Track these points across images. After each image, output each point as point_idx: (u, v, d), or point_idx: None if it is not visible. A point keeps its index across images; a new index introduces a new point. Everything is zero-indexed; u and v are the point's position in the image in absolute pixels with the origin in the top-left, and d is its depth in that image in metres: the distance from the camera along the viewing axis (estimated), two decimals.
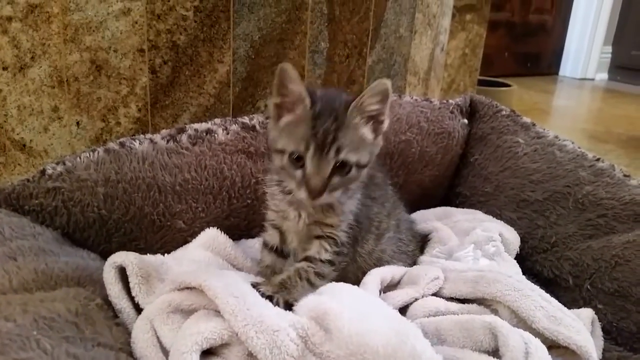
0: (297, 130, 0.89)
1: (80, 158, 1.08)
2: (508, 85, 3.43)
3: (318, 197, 0.87)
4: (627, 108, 4.40)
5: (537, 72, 5.70)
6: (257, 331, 0.77)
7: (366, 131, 0.92)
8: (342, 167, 0.88)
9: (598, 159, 1.26)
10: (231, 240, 1.15)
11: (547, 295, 0.97)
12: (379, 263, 1.08)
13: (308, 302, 0.85)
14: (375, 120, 0.92)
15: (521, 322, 0.91)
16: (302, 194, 0.89)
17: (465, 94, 1.48)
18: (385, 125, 0.94)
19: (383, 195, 1.10)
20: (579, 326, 0.91)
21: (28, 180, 1.04)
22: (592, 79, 5.72)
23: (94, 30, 1.33)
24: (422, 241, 1.26)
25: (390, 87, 0.89)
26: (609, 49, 5.65)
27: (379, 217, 1.07)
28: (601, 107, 4.55)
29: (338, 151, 0.86)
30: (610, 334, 1.05)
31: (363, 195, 1.02)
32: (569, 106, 4.65)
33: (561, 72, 5.91)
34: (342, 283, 0.94)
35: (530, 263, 1.25)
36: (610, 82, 5.63)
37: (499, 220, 1.30)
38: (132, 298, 0.91)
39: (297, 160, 0.89)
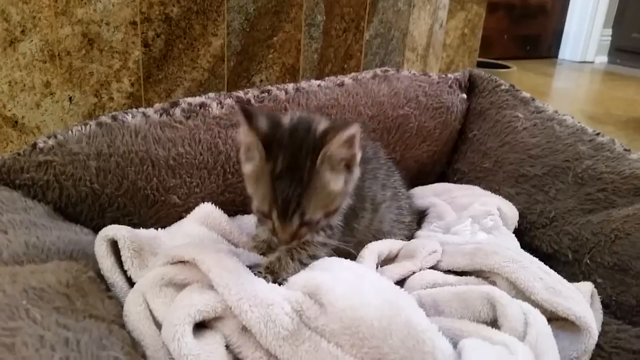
0: (259, 187, 0.84)
1: (72, 131, 1.06)
2: (507, 67, 3.41)
3: (290, 244, 0.87)
4: (627, 90, 4.38)
5: (536, 55, 5.66)
6: (251, 305, 0.75)
7: (336, 181, 0.83)
8: (309, 222, 0.84)
9: (598, 134, 1.25)
10: (226, 215, 1.14)
11: (546, 267, 0.96)
12: (379, 233, 1.07)
13: (299, 279, 0.84)
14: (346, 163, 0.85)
15: (520, 293, 0.90)
16: (275, 240, 0.89)
17: (464, 69, 1.45)
18: (358, 158, 0.86)
19: (375, 167, 1.08)
20: (579, 297, 0.90)
21: (19, 154, 1.03)
22: (592, 62, 5.68)
23: (85, 3, 1.30)
24: (420, 216, 1.24)
25: (357, 130, 0.80)
26: (609, 31, 5.61)
27: (372, 190, 1.05)
28: (600, 90, 4.53)
29: (303, 215, 0.82)
30: (610, 307, 1.04)
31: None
32: (568, 88, 4.63)
33: (560, 55, 5.87)
34: (332, 257, 0.93)
35: (528, 238, 1.24)
36: (610, 65, 5.60)
37: (498, 195, 1.28)
38: (124, 272, 0.90)
39: (265, 216, 0.85)
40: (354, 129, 0.79)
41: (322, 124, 0.84)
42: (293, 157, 0.81)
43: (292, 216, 0.81)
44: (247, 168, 0.86)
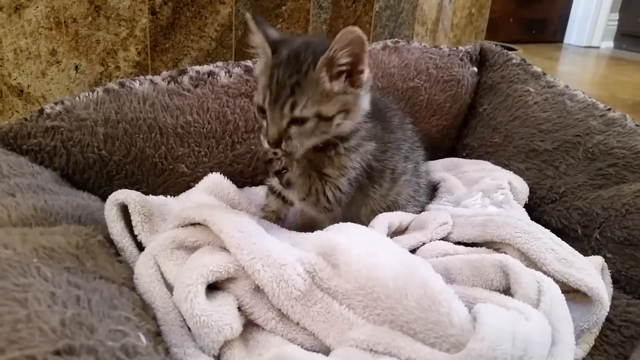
0: (261, 80, 0.87)
1: (79, 98, 1.05)
2: (514, 50, 3.39)
3: (276, 146, 0.85)
4: (633, 75, 4.34)
5: (541, 39, 5.60)
6: (264, 264, 0.75)
7: (336, 84, 0.84)
8: (300, 120, 0.84)
9: (609, 109, 1.24)
10: (235, 186, 1.13)
11: (558, 239, 0.96)
12: (394, 206, 1.06)
13: (314, 239, 0.83)
14: (352, 71, 0.85)
15: (531, 264, 0.89)
16: (265, 143, 0.87)
17: (475, 42, 1.43)
18: (365, 75, 0.86)
19: (399, 138, 1.07)
20: (590, 269, 0.89)
21: (26, 119, 1.02)
22: (598, 47, 5.63)
23: None
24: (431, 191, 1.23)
25: (361, 34, 0.80)
26: (616, 16, 5.55)
27: (393, 160, 1.03)
28: (606, 74, 4.49)
29: (293, 106, 0.83)
30: (619, 282, 1.04)
31: (376, 144, 0.98)
32: (573, 73, 4.59)
33: (566, 40, 5.82)
34: (348, 223, 0.92)
35: (538, 213, 1.23)
36: (616, 50, 5.54)
37: (508, 170, 1.27)
38: (134, 237, 0.89)
39: (262, 112, 0.87)
40: (357, 35, 0.79)
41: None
42: (296, 51, 0.85)
43: (283, 105, 0.83)
44: (257, 68, 0.91)
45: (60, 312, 0.60)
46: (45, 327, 0.56)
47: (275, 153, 0.93)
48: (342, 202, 0.97)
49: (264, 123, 0.87)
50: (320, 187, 0.95)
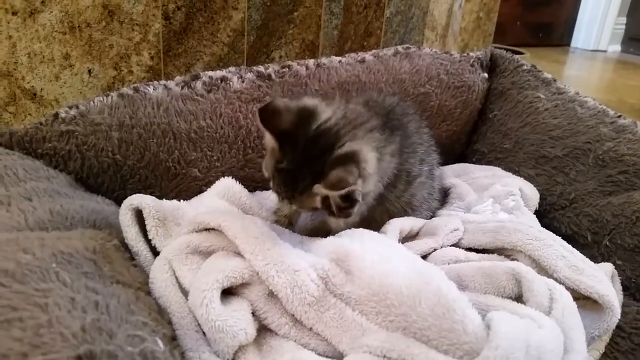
0: (268, 162, 0.88)
1: (94, 102, 1.06)
2: (521, 53, 3.38)
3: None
4: None
5: (548, 43, 5.60)
6: (278, 270, 0.76)
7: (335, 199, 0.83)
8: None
9: (619, 116, 1.24)
10: (246, 190, 1.14)
11: (569, 246, 0.96)
12: (407, 207, 1.06)
13: (327, 244, 0.84)
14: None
15: (542, 271, 0.89)
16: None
17: (486, 48, 1.44)
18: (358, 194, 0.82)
19: (416, 142, 1.07)
20: (601, 276, 0.90)
21: (41, 124, 1.03)
22: (605, 51, 5.62)
23: None
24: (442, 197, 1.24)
25: (351, 178, 0.78)
26: (623, 19, 5.54)
27: (409, 164, 1.04)
28: (614, 78, 4.48)
29: (296, 205, 0.88)
30: (629, 289, 1.04)
31: (397, 159, 0.98)
32: (581, 76, 4.58)
33: (573, 44, 5.81)
34: (361, 228, 0.93)
35: (547, 220, 1.23)
36: (623, 54, 5.53)
37: (518, 177, 1.27)
38: (148, 242, 0.90)
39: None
40: (350, 185, 0.77)
41: (344, 148, 0.83)
42: (300, 165, 0.83)
43: (289, 200, 0.86)
44: (266, 140, 0.88)
45: (80, 317, 0.61)
46: (67, 333, 0.56)
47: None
48: (361, 212, 0.97)
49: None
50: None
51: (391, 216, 1.04)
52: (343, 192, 0.78)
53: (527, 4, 5.26)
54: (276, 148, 0.84)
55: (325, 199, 0.83)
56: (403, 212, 1.06)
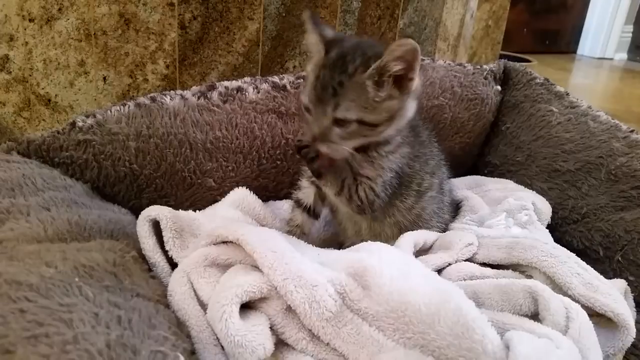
0: (310, 77, 0.90)
1: (111, 112, 1.07)
2: (528, 61, 3.39)
3: (318, 142, 0.88)
4: None
5: (555, 50, 5.60)
6: (296, 285, 0.76)
7: (383, 91, 0.86)
8: (342, 122, 0.87)
9: (632, 131, 1.24)
10: (260, 200, 1.14)
11: (584, 263, 0.96)
12: (418, 220, 1.06)
13: (345, 259, 0.84)
14: (402, 77, 0.86)
15: (557, 288, 0.89)
16: (308, 137, 0.91)
17: (499, 61, 1.44)
18: (414, 84, 0.88)
19: (427, 153, 1.08)
20: (616, 294, 0.90)
21: (58, 132, 1.03)
22: (611, 59, 5.62)
23: None
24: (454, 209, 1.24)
25: (416, 45, 0.81)
26: (630, 27, 5.54)
27: (420, 174, 1.04)
28: (620, 87, 4.47)
29: (336, 106, 0.85)
30: None
31: (410, 149, 1.01)
32: (587, 84, 4.58)
33: (579, 51, 5.81)
34: (378, 242, 0.93)
35: (559, 234, 1.23)
36: (630, 62, 5.53)
37: (531, 190, 1.28)
38: (165, 252, 0.91)
39: (307, 110, 0.90)
40: (412, 47, 0.81)
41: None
42: (345, 52, 0.87)
43: (327, 105, 0.86)
44: (308, 68, 0.92)
45: (104, 333, 0.61)
46: (92, 350, 0.57)
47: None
48: (375, 204, 0.98)
49: (309, 120, 0.90)
50: (353, 185, 0.97)
51: (401, 230, 1.04)
52: (404, 64, 0.83)
53: (534, 10, 5.26)
54: (321, 48, 0.89)
55: (378, 82, 0.85)
56: (413, 225, 1.06)
